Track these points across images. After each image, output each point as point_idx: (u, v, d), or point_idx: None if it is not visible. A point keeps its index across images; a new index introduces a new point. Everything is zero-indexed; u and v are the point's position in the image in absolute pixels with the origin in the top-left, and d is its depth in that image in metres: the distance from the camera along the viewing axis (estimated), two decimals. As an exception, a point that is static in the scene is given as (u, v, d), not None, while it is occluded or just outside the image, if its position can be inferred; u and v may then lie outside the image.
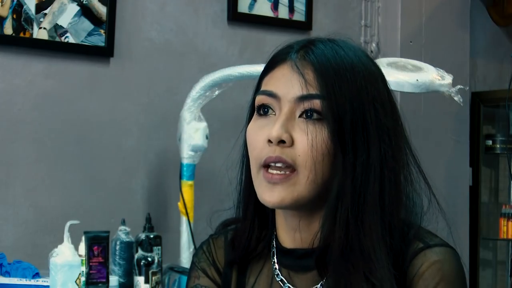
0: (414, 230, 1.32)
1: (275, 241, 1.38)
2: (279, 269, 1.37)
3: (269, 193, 1.29)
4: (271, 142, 1.28)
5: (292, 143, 1.27)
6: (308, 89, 1.28)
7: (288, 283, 1.35)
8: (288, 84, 1.29)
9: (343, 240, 1.27)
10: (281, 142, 1.27)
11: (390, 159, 1.29)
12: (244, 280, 1.40)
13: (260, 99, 1.32)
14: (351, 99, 1.27)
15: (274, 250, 1.38)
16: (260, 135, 1.30)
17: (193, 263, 1.47)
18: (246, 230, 1.38)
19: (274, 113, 1.31)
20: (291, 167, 1.27)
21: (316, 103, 1.27)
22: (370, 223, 1.27)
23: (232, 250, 1.41)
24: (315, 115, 1.27)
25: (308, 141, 1.26)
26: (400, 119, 1.34)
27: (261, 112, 1.32)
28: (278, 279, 1.36)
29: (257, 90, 1.35)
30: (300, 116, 1.28)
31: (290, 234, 1.35)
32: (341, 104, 1.26)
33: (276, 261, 1.37)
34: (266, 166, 1.29)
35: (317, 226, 1.32)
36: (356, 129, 1.27)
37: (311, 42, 1.33)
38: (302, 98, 1.28)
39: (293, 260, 1.35)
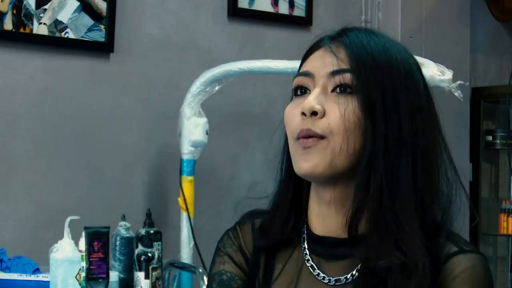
0: (447, 232, 1.34)
1: (306, 228, 1.39)
2: (309, 255, 1.38)
3: (304, 161, 1.32)
4: (305, 114, 1.32)
5: (323, 115, 1.31)
6: (339, 65, 1.33)
7: (318, 269, 1.36)
8: (321, 63, 1.35)
9: (376, 208, 1.30)
10: (313, 114, 1.31)
11: (422, 139, 1.33)
12: (272, 265, 1.40)
13: (296, 81, 1.38)
14: (381, 76, 1.31)
15: (305, 236, 1.39)
16: (295, 110, 1.34)
17: (218, 248, 1.45)
18: (282, 218, 1.40)
19: (309, 91, 1.35)
20: (321, 137, 1.31)
21: (347, 77, 1.32)
22: (403, 194, 1.30)
23: (263, 236, 1.41)
24: (347, 89, 1.32)
25: (339, 111, 1.30)
26: (435, 111, 1.38)
27: (298, 92, 1.37)
28: (308, 265, 1.37)
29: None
30: (333, 90, 1.33)
31: (322, 220, 1.37)
32: (371, 78, 1.31)
33: (306, 247, 1.38)
34: (298, 138, 1.33)
35: (349, 213, 1.33)
36: (386, 104, 1.31)
37: (347, 28, 1.39)
38: (334, 73, 1.33)
39: (324, 248, 1.36)
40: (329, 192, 1.35)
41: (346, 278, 1.34)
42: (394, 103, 1.31)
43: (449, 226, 1.36)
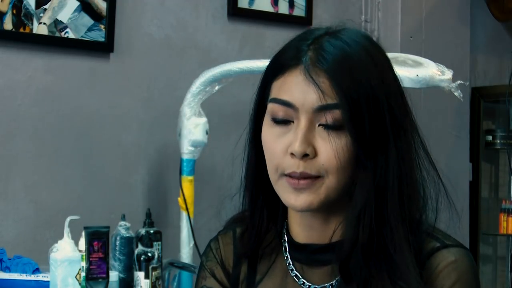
0: (427, 228, 1.33)
1: (287, 235, 1.38)
2: (292, 264, 1.37)
3: (295, 198, 1.28)
4: (294, 155, 1.27)
5: (315, 154, 1.27)
6: (326, 100, 1.26)
7: (302, 277, 1.35)
8: (303, 93, 1.28)
9: (367, 242, 1.27)
10: (304, 155, 1.27)
11: (405, 155, 1.30)
12: (254, 273, 1.40)
13: (275, 108, 1.30)
14: (368, 103, 1.26)
15: (286, 244, 1.38)
16: (279, 144, 1.29)
17: (201, 262, 1.46)
18: (256, 221, 1.38)
19: (291, 120, 1.29)
20: (315, 177, 1.27)
21: (336, 113, 1.26)
22: (392, 223, 1.28)
23: (243, 243, 1.40)
24: (335, 124, 1.27)
25: (331, 150, 1.26)
26: (409, 108, 1.33)
27: (277, 120, 1.30)
28: (292, 274, 1.36)
29: (266, 92, 1.33)
30: (320, 125, 1.27)
31: (304, 230, 1.35)
32: (360, 111, 1.26)
33: (289, 256, 1.37)
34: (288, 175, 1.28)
35: (334, 222, 1.33)
36: (376, 133, 1.27)
37: (317, 41, 1.31)
38: (321, 109, 1.27)
39: (307, 254, 1.35)
40: (312, 213, 1.33)
41: (331, 285, 1.33)
42: (383, 131, 1.27)
43: (432, 222, 1.34)
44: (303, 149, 1.26)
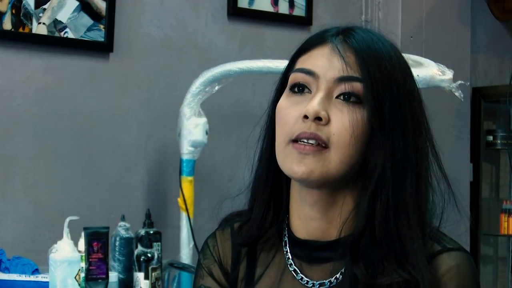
0: (430, 230, 1.32)
1: (287, 231, 1.37)
2: (291, 259, 1.36)
3: (298, 164, 1.27)
4: (307, 118, 1.27)
5: (327, 122, 1.27)
6: (348, 71, 1.28)
7: (301, 273, 1.34)
8: (328, 64, 1.29)
9: (381, 226, 1.27)
10: (317, 119, 1.27)
11: (422, 152, 1.30)
12: (254, 269, 1.39)
13: (296, 77, 1.32)
14: (390, 88, 1.28)
15: (286, 239, 1.37)
16: (294, 111, 1.29)
17: (199, 260, 1.46)
18: (261, 212, 1.37)
19: (309, 91, 1.30)
20: (324, 145, 1.27)
21: (357, 86, 1.27)
22: (408, 211, 1.28)
23: (242, 234, 1.39)
24: (353, 98, 1.28)
25: (345, 121, 1.26)
26: (427, 119, 1.34)
27: (296, 89, 1.31)
28: (291, 269, 1.35)
29: (290, 69, 1.35)
30: (338, 97, 1.28)
31: (304, 222, 1.34)
32: (381, 90, 1.27)
33: (288, 251, 1.36)
34: (296, 140, 1.28)
35: (334, 215, 1.32)
36: (394, 117, 1.27)
37: (350, 28, 1.33)
38: (342, 79, 1.28)
39: (307, 251, 1.34)
40: (313, 195, 1.32)
41: (330, 282, 1.32)
42: (400, 116, 1.28)
43: (435, 224, 1.34)
44: (318, 110, 1.26)
